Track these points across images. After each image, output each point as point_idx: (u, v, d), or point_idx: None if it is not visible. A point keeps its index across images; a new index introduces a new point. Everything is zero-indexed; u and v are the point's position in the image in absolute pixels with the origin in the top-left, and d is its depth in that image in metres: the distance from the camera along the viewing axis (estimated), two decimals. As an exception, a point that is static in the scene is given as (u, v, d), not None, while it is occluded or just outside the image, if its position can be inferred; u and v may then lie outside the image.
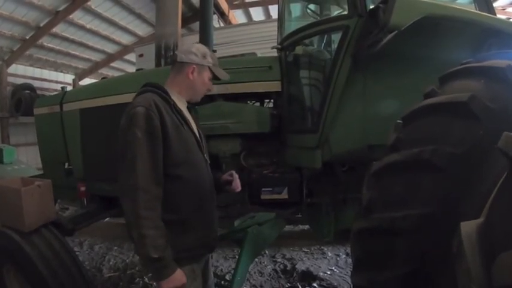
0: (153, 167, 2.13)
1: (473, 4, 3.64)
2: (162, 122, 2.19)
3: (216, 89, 3.89)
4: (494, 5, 4.34)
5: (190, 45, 2.59)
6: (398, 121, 2.11)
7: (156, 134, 2.15)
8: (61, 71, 15.27)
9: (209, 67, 2.53)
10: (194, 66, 2.46)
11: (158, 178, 2.15)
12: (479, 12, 3.36)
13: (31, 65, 13.68)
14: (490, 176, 1.59)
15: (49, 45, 13.01)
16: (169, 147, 2.21)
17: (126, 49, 15.91)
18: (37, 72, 14.00)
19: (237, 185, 2.73)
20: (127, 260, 5.83)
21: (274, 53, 4.30)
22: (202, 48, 2.56)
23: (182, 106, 2.48)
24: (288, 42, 3.90)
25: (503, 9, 12.74)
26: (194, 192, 2.34)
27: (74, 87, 14.73)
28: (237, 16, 16.30)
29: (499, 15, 4.07)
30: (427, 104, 1.98)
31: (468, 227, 1.39)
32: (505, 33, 2.82)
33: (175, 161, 2.24)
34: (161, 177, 2.17)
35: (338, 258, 5.70)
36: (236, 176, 2.74)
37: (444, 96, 1.96)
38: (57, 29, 12.20)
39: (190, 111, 2.62)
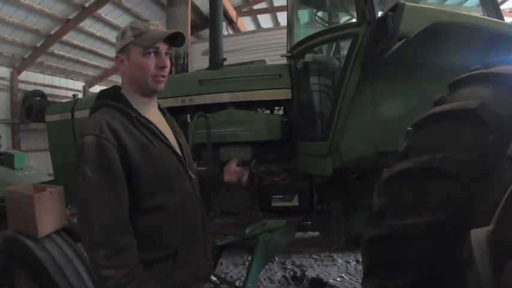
0: (113, 213, 1.70)
1: (480, 9, 3.64)
2: (121, 148, 1.75)
3: (227, 97, 3.93)
4: (502, 7, 4.33)
5: None
6: (409, 128, 2.12)
7: (114, 169, 1.72)
8: (71, 78, 15.34)
9: (132, 42, 1.90)
10: (118, 55, 1.96)
11: (122, 224, 1.73)
12: (487, 17, 3.36)
13: (42, 72, 13.75)
14: (500, 183, 1.59)
15: (59, 52, 13.08)
16: (138, 177, 1.79)
17: (136, 56, 15.90)
18: (48, 79, 14.05)
19: (244, 176, 2.43)
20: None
21: (284, 61, 4.32)
22: (124, 27, 1.99)
23: (149, 111, 2.02)
24: (297, 50, 3.91)
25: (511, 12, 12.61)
26: (179, 220, 1.93)
27: (84, 94, 14.82)
28: (246, 23, 16.35)
29: (506, 18, 4.06)
30: (437, 112, 1.98)
31: (478, 234, 1.39)
32: (513, 38, 2.82)
33: (149, 191, 1.83)
34: (126, 222, 1.75)
35: (348, 265, 5.69)
36: (242, 168, 2.41)
37: (454, 103, 1.96)
38: (68, 36, 12.26)
39: (164, 114, 2.18)
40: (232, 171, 2.41)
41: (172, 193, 1.92)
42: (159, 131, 1.97)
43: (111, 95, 1.97)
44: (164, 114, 2.18)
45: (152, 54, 1.91)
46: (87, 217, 1.68)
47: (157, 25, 1.98)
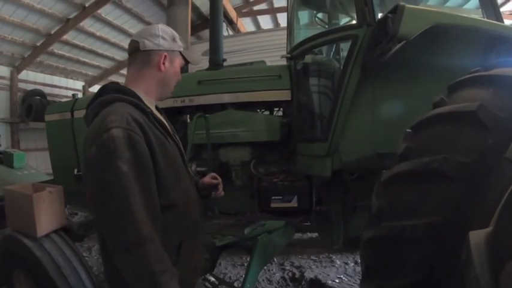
0: (151, 208, 1.65)
1: (480, 11, 3.64)
2: (147, 143, 1.70)
3: (227, 98, 3.93)
4: (502, 9, 4.33)
5: (152, 27, 2.03)
6: (408, 130, 2.12)
7: (146, 163, 1.67)
8: (71, 78, 15.35)
9: (180, 52, 2.06)
10: (165, 53, 1.96)
11: (158, 219, 1.70)
12: (486, 20, 3.36)
13: (41, 72, 13.77)
14: (499, 185, 1.60)
15: (59, 52, 13.10)
16: (160, 173, 1.75)
17: (135, 56, 15.92)
18: (47, 78, 14.07)
19: (221, 190, 2.39)
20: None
21: (284, 62, 4.32)
22: (168, 29, 2.03)
23: (156, 111, 2.03)
24: (297, 51, 3.92)
25: (511, 14, 12.60)
26: (185, 216, 1.93)
27: (83, 93, 14.81)
28: (246, 24, 16.36)
29: (506, 20, 4.05)
30: (436, 113, 1.99)
31: (477, 236, 1.40)
32: (512, 40, 2.82)
33: (166, 188, 1.79)
34: (160, 216, 1.72)
35: (347, 267, 5.67)
36: (220, 180, 2.39)
37: (453, 105, 1.96)
38: (68, 36, 12.29)
39: (160, 112, 2.13)
40: (206, 185, 2.39)
41: (180, 190, 1.90)
42: (168, 129, 1.99)
43: (120, 91, 1.88)
44: (161, 113, 2.15)
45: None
46: (128, 214, 1.56)
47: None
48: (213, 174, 2.42)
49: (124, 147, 1.59)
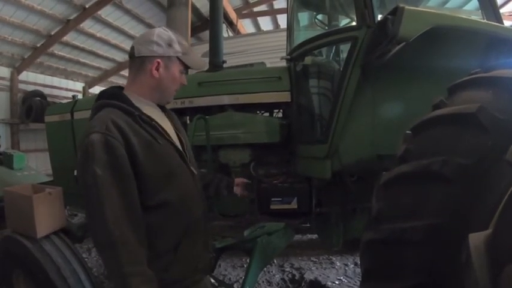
0: (128, 211, 1.70)
1: (480, 12, 3.64)
2: (128, 146, 1.75)
3: (227, 100, 3.93)
4: (502, 10, 4.32)
5: (149, 32, 2.02)
6: (408, 132, 2.11)
7: (123, 166, 1.72)
8: (71, 79, 15.34)
9: (178, 57, 2.01)
10: (158, 60, 1.95)
11: (137, 221, 1.74)
12: (486, 21, 3.36)
13: (42, 73, 13.76)
14: (499, 187, 1.59)
15: (60, 53, 13.09)
16: (145, 174, 1.79)
17: (135, 58, 15.91)
18: (47, 79, 14.07)
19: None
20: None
21: (283, 63, 4.32)
22: (165, 34, 2.00)
23: (151, 111, 2.01)
24: (297, 53, 3.92)
25: (511, 15, 12.58)
26: (183, 214, 1.95)
27: (84, 95, 14.79)
28: (246, 25, 16.36)
29: (506, 21, 4.05)
30: (436, 115, 1.98)
31: (476, 239, 1.39)
32: (512, 42, 2.82)
33: (153, 188, 1.84)
34: (139, 218, 1.76)
35: (346, 268, 5.67)
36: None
37: (453, 107, 1.95)
38: (68, 37, 12.29)
39: (164, 111, 2.18)
40: (240, 185, 2.65)
41: (175, 190, 1.93)
42: (162, 128, 1.99)
43: (112, 95, 1.95)
44: (164, 111, 2.18)
45: (183, 73, 2.07)
46: (101, 216, 1.64)
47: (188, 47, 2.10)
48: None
49: (100, 151, 1.69)
